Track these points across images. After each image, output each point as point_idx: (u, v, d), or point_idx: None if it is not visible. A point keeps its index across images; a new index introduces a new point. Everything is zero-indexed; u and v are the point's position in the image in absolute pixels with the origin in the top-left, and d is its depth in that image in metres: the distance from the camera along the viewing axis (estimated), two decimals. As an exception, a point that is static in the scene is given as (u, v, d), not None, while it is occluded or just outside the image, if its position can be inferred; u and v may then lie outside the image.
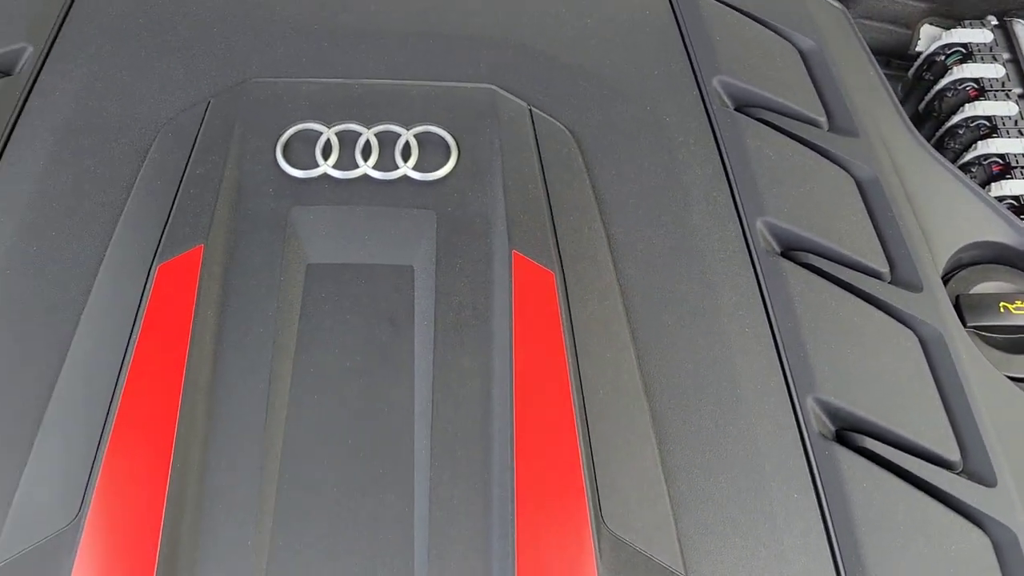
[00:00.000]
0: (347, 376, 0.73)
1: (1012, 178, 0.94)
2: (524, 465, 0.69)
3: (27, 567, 0.66)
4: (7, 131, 0.85)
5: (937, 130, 1.01)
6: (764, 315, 0.78)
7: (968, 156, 0.96)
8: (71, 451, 0.70)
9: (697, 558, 0.69)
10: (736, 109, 0.91)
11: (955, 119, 0.99)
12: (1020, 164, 0.95)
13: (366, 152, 0.83)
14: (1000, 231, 0.87)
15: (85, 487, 0.69)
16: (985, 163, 0.96)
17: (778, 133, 0.88)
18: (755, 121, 0.89)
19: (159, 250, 0.77)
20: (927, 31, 1.10)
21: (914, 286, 0.81)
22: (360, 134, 0.84)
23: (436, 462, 0.69)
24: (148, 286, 0.75)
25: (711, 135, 0.88)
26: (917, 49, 1.10)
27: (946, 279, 0.83)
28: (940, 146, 1.01)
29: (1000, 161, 0.95)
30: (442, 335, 0.74)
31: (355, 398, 0.72)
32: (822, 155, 0.88)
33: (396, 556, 0.67)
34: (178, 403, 0.70)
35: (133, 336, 0.73)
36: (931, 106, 1.02)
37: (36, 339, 0.75)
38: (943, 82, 1.02)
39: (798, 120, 0.90)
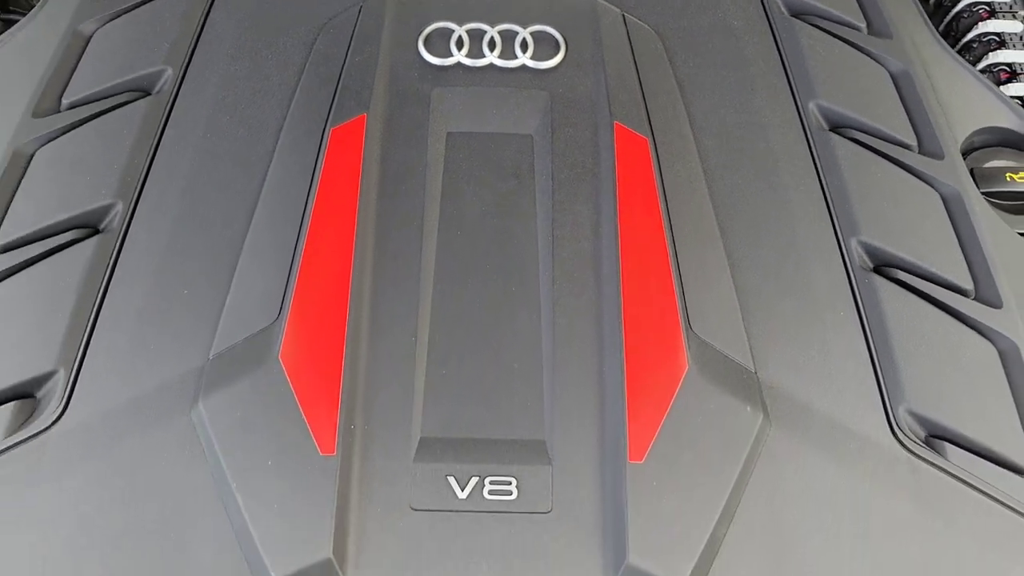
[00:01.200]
0: (483, 218, 0.86)
1: (1017, 82, 1.06)
2: (628, 284, 0.81)
3: (242, 352, 0.79)
4: (199, 27, 0.98)
5: (954, 46, 1.12)
6: (816, 176, 0.90)
7: (980, 65, 1.08)
8: (270, 267, 0.83)
9: (764, 359, 0.81)
10: (793, 15, 1.03)
11: (969, 36, 1.11)
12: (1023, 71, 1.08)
13: (491, 45, 0.96)
14: (1008, 119, 0.99)
15: (283, 295, 0.82)
16: (995, 71, 1.07)
17: (827, 34, 1.00)
18: (808, 26, 1.01)
19: (330, 117, 0.90)
20: (946, -33, 1.21)
21: (937, 155, 0.93)
22: (486, 31, 0.97)
23: (557, 283, 0.82)
24: (324, 144, 0.88)
25: (771, 35, 1.00)
26: (937, -18, 1.21)
27: (963, 156, 0.95)
28: (957, 59, 1.12)
29: (1008, 69, 1.07)
30: (559, 187, 0.87)
31: (490, 235, 0.85)
32: (863, 52, 1.00)
33: (527, 354, 0.79)
34: (353, 232, 0.83)
35: (314, 182, 0.86)
36: (949, 27, 1.14)
37: (236, 184, 0.88)
38: (959, 6, 1.13)
39: (846, 26, 1.03)
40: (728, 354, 0.80)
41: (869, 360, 0.81)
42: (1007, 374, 0.82)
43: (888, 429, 0.78)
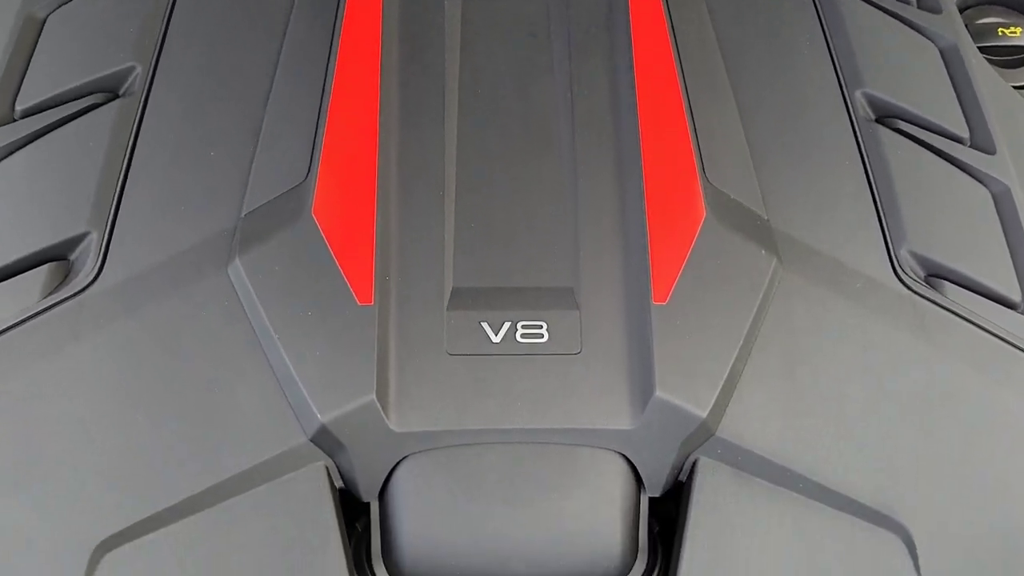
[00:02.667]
0: (502, 74, 0.84)
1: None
2: (646, 135, 0.80)
3: (275, 210, 0.77)
4: None
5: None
6: (821, 32, 0.89)
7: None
8: (296, 127, 0.80)
9: (775, 206, 0.81)
10: None
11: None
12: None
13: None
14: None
15: (311, 154, 0.79)
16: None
17: None
18: None
19: None
20: None
21: (935, 10, 0.92)
22: None
23: (578, 135, 0.80)
24: (342, 4, 0.84)
25: None
26: None
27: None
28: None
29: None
30: (575, 44, 0.84)
31: (510, 90, 0.83)
32: None
33: (552, 205, 0.78)
34: (377, 91, 0.80)
35: (334, 42, 0.83)
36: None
37: (255, 44, 0.84)
38: None
39: None
40: (742, 201, 0.79)
41: (872, 205, 0.82)
42: (1000, 216, 0.83)
43: (890, 269, 0.79)
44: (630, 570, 0.73)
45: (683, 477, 0.74)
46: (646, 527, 0.74)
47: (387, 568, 0.74)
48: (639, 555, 0.74)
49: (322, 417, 0.70)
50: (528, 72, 0.83)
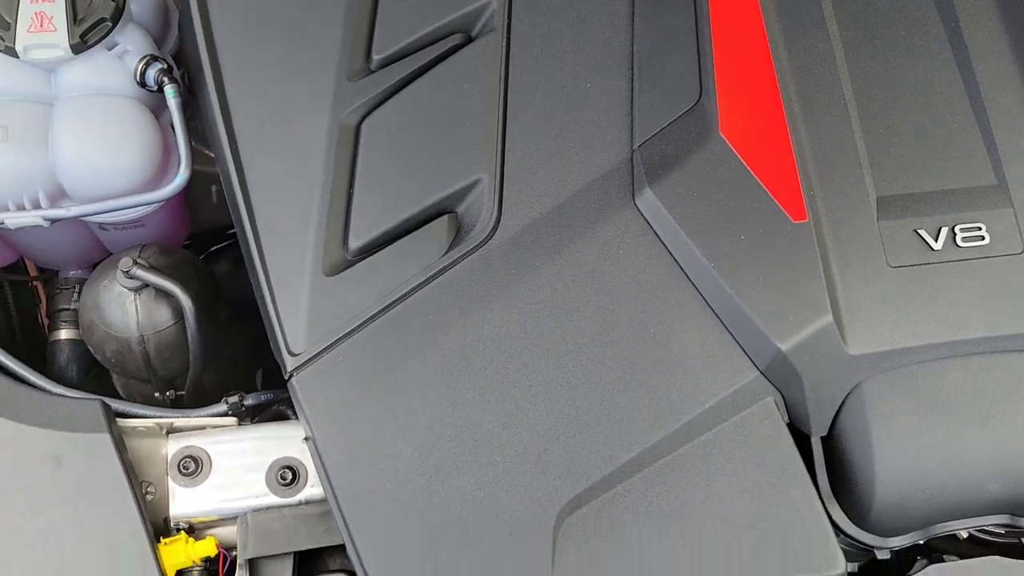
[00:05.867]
0: None
1: None
2: None
3: (675, 135, 0.69)
4: None
5: None
6: None
7: None
8: (676, 48, 0.72)
9: None
10: None
11: None
12: None
13: None
14: None
15: (698, 74, 0.71)
16: None
17: None
18: None
19: None
20: None
21: None
22: None
23: (965, 27, 0.72)
24: None
25: None
26: None
27: None
28: None
29: None
30: None
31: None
32: None
33: (953, 103, 0.71)
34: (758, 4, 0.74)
35: None
36: None
37: None
38: None
39: None
40: None
41: None
42: None
43: None
44: None
45: None
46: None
47: (841, 506, 0.67)
48: None
49: (780, 344, 0.63)
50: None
